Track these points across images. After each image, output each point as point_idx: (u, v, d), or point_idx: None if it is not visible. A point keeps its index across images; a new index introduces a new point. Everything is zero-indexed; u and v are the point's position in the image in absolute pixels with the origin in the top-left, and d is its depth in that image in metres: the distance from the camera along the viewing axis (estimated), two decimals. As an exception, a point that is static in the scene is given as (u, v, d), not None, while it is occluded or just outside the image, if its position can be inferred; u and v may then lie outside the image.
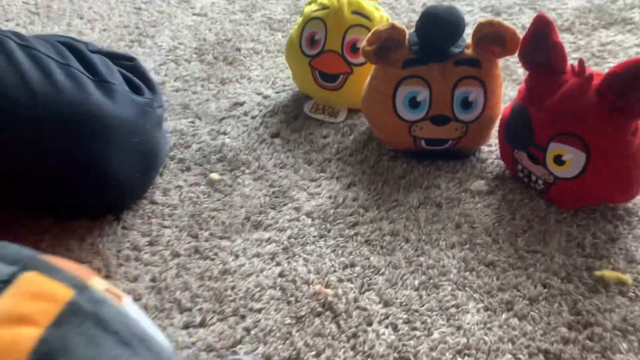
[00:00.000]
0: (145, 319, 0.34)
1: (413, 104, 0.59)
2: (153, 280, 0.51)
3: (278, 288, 0.50)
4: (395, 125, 0.60)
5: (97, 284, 0.30)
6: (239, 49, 0.84)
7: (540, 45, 0.52)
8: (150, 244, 0.55)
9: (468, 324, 0.46)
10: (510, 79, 0.75)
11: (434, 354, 0.44)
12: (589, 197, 0.54)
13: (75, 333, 0.25)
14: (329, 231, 0.56)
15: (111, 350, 0.26)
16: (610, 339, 0.45)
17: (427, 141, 0.61)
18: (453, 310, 0.48)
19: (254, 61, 0.82)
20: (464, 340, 0.45)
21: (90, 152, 0.52)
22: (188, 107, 0.73)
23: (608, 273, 0.49)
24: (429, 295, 0.49)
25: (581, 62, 0.51)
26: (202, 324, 0.47)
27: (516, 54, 0.55)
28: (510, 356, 0.44)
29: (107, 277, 0.51)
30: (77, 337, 0.25)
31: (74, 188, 0.54)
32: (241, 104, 0.73)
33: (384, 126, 0.62)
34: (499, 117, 0.60)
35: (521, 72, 0.75)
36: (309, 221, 0.57)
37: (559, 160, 0.52)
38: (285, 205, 0.59)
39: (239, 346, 0.45)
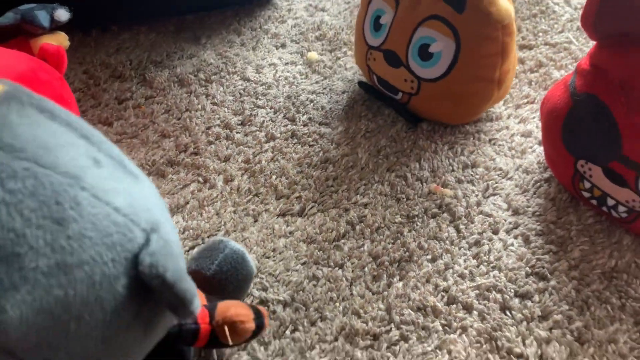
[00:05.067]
0: None
1: (376, 24, 0.46)
2: (246, 161, 0.46)
3: (386, 183, 0.44)
4: (359, 44, 0.48)
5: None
6: None
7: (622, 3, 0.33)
8: (243, 123, 0.49)
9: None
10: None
11: (574, 272, 0.37)
12: None
13: (16, 114, 0.20)
14: (446, 126, 0.48)
15: (65, 137, 0.20)
16: None
17: (379, 79, 0.47)
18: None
19: None
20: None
21: None
22: (282, -21, 0.64)
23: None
24: (567, 207, 0.41)
25: None
26: (301, 214, 0.42)
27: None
28: None
29: (196, 154, 0.46)
30: (18, 118, 0.20)
31: None
32: (343, -21, 0.64)
33: (355, 42, 0.49)
34: (481, 100, 0.44)
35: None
36: (422, 113, 0.49)
37: None
38: (393, 93, 0.51)
39: (342, 240, 0.40)
